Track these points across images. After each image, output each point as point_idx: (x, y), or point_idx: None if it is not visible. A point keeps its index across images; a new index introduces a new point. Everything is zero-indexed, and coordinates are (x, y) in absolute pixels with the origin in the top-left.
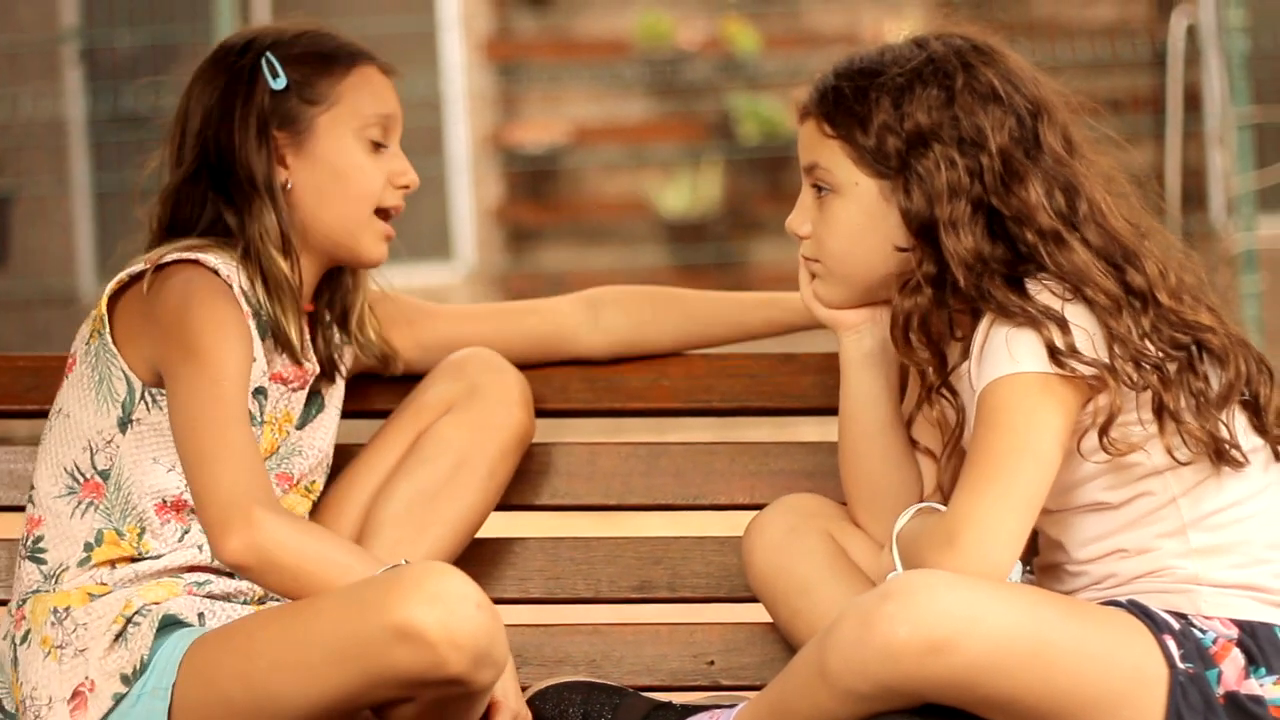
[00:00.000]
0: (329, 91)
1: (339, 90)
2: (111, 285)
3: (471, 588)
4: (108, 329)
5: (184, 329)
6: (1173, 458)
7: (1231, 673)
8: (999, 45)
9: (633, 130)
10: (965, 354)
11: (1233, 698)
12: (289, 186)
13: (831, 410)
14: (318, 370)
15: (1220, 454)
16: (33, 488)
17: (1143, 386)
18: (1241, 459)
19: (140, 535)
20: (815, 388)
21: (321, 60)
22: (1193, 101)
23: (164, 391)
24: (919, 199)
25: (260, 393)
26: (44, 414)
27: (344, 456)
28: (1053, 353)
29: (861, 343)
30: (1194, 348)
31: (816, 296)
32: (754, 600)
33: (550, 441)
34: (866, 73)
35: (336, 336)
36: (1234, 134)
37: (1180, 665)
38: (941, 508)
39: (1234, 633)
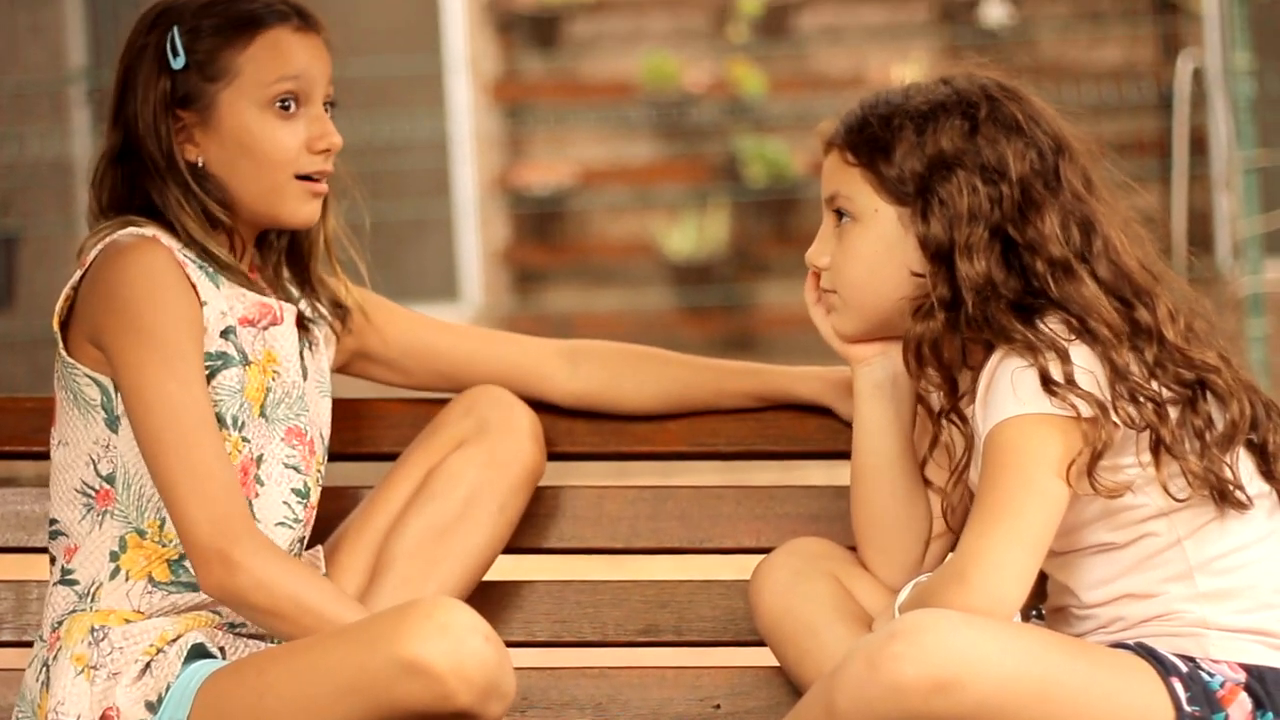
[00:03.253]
0: (230, 64)
1: (239, 62)
2: (60, 304)
3: (478, 620)
4: (61, 345)
5: (119, 300)
6: (1168, 494)
7: (1239, 717)
8: (1023, 86)
9: (639, 172)
10: (976, 383)
11: None
12: (201, 164)
13: (838, 454)
14: (285, 303)
15: (1223, 494)
16: (55, 522)
17: (1142, 426)
18: (1245, 501)
19: (161, 527)
20: (821, 431)
21: (226, 30)
22: (1199, 145)
23: None
24: (938, 224)
25: (230, 333)
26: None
27: (355, 498)
28: (1047, 382)
29: (873, 374)
30: (1197, 387)
31: (833, 329)
32: (760, 644)
33: (557, 485)
34: (892, 104)
35: (295, 292)
36: (1240, 178)
37: (1187, 709)
38: None
39: (1241, 677)
